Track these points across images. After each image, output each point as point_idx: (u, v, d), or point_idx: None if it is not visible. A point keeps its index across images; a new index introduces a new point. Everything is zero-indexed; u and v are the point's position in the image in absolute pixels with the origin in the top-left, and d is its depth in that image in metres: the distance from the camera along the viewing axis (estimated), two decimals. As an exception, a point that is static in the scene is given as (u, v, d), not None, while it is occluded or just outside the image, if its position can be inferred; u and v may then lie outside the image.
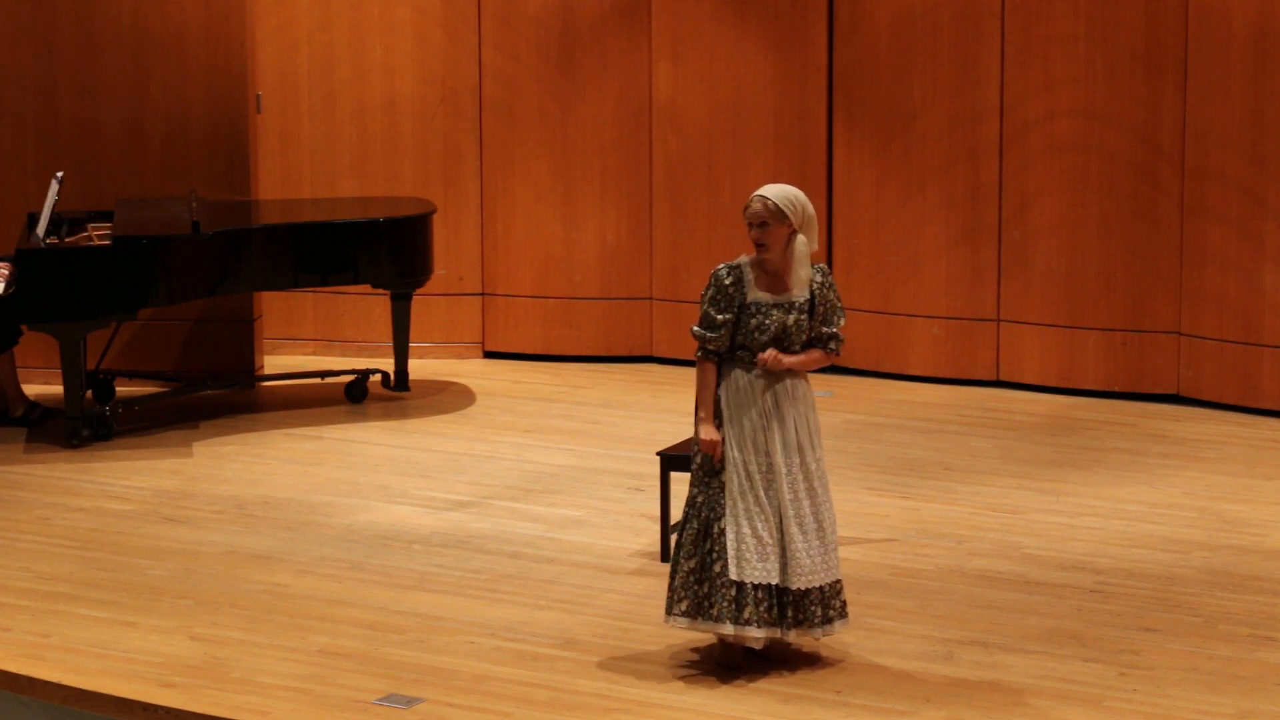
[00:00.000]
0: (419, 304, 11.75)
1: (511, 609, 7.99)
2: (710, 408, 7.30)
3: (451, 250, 12.37)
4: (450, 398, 11.53)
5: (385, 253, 11.09)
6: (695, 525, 7.29)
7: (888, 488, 9.72)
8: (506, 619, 7.87)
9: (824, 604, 7.29)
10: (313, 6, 12.34)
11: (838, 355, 7.41)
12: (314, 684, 7.18)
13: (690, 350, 11.37)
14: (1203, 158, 11.06)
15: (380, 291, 11.72)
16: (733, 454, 7.24)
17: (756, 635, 7.22)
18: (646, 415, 11.11)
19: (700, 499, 7.30)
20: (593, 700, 7.05)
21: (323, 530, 9.06)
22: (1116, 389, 11.43)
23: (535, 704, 7.01)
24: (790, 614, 7.25)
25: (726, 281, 7.27)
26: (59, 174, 10.90)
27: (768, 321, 7.25)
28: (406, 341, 11.39)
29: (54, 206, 10.75)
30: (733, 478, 7.22)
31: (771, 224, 7.25)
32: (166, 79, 11.68)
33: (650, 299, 12.36)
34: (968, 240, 11.70)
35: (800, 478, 7.26)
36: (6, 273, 10.47)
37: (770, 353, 7.26)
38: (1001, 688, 7.15)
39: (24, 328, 10.79)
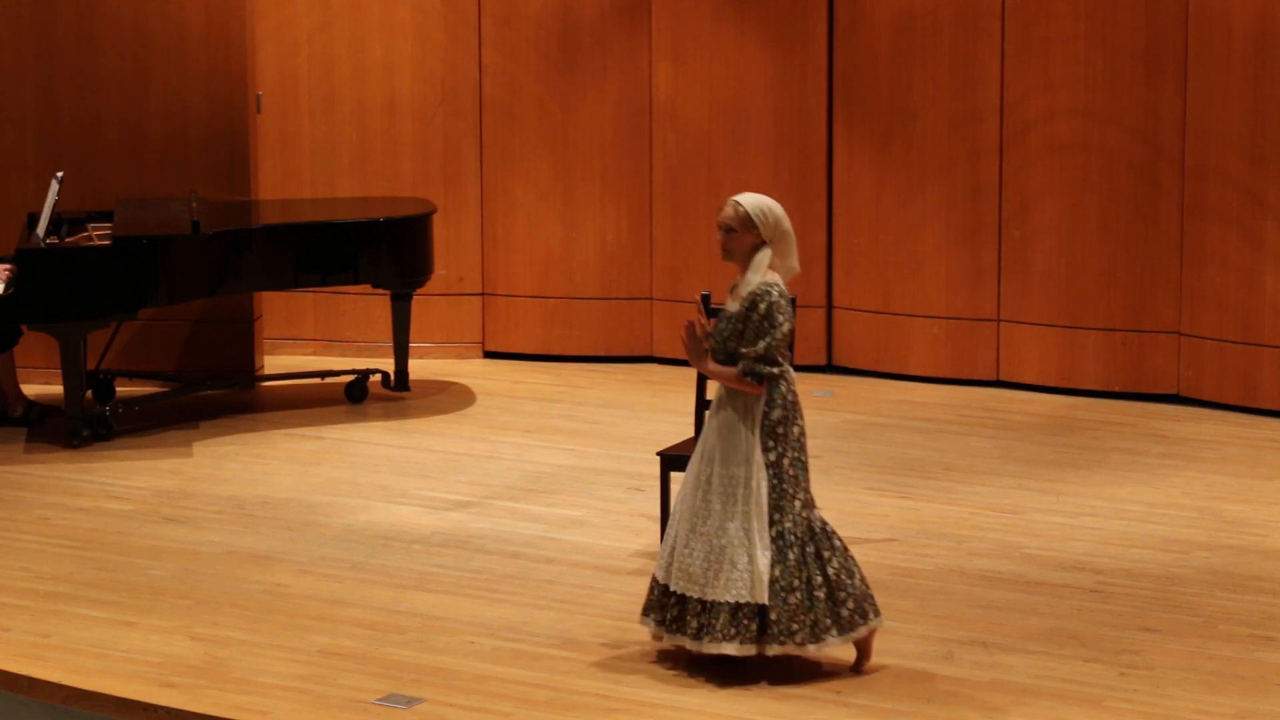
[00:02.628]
0: (419, 304, 11.75)
1: (511, 609, 7.99)
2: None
3: (451, 250, 12.37)
4: (450, 398, 11.53)
5: (385, 253, 11.09)
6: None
7: (888, 488, 9.72)
8: (506, 619, 7.87)
9: (698, 615, 7.17)
10: (313, 6, 12.34)
11: (751, 381, 7.12)
12: (314, 684, 7.18)
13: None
14: (1203, 158, 11.06)
15: (380, 291, 11.72)
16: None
17: (646, 626, 7.34)
18: (646, 415, 11.11)
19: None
20: (593, 700, 7.05)
21: (323, 530, 9.06)
22: (1116, 389, 11.43)
23: (535, 704, 7.01)
24: (670, 615, 7.24)
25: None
26: (59, 174, 10.90)
27: (716, 326, 7.28)
28: (406, 341, 11.39)
29: (54, 206, 10.75)
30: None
31: (737, 231, 7.20)
32: (166, 79, 11.68)
33: (650, 299, 12.36)
34: (968, 240, 11.70)
35: (704, 488, 7.19)
36: (7, 273, 10.47)
37: (694, 324, 7.28)
38: (1001, 688, 7.15)
39: (24, 328, 10.79)
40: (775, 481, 7.15)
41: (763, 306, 7.12)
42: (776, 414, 7.16)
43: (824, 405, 11.34)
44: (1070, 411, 11.20)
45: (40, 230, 10.57)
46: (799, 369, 11.36)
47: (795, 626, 7.13)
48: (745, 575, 7.10)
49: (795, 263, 7.25)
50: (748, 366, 7.13)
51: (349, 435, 10.71)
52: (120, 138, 11.71)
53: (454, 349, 12.56)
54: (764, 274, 7.18)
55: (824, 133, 11.98)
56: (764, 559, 7.09)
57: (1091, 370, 11.50)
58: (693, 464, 7.31)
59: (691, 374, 9.74)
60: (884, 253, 11.92)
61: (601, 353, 12.44)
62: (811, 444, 10.25)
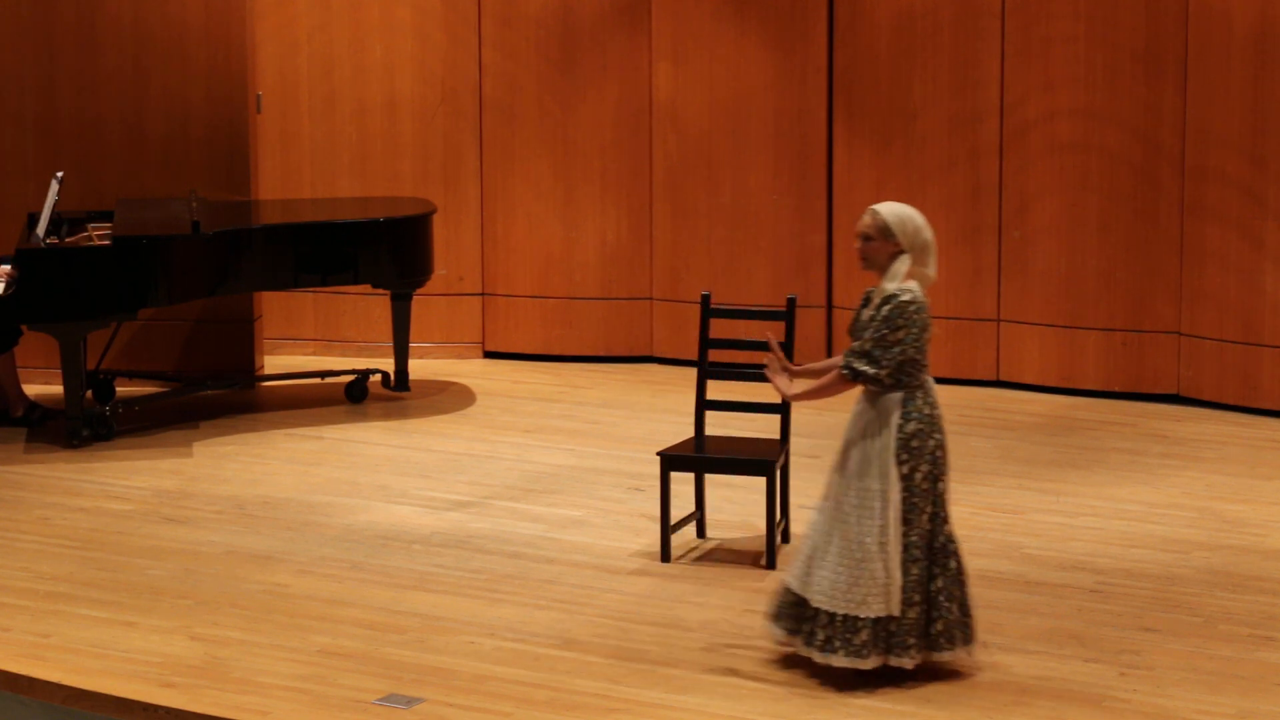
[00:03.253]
0: (419, 304, 11.75)
1: (511, 609, 7.99)
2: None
3: (451, 250, 12.37)
4: (450, 398, 11.53)
5: (385, 253, 11.09)
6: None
7: (888, 488, 9.71)
8: (506, 619, 7.86)
9: (826, 628, 7.11)
10: (313, 6, 12.35)
11: (849, 379, 7.10)
12: (314, 684, 7.18)
13: (686, 351, 11.43)
14: (1203, 158, 11.06)
15: (380, 291, 11.72)
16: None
17: (769, 628, 7.28)
18: (646, 415, 11.11)
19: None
20: (593, 700, 7.05)
21: (323, 530, 9.06)
22: (1116, 389, 11.43)
23: (535, 704, 7.00)
24: (800, 624, 7.19)
25: (863, 295, 7.27)
26: (59, 174, 10.90)
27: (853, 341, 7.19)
28: (406, 341, 11.39)
29: (54, 206, 10.75)
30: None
31: (875, 239, 7.10)
32: (166, 79, 11.68)
33: (650, 299, 12.36)
34: (968, 240, 11.70)
35: (836, 500, 7.12)
36: (7, 273, 10.47)
37: (772, 362, 7.28)
38: (1001, 688, 7.15)
39: (24, 328, 10.79)
40: (905, 494, 7.07)
41: (886, 309, 7.06)
42: (911, 427, 7.09)
43: (824, 405, 11.30)
44: (1070, 411, 11.20)
45: (40, 230, 10.57)
46: (799, 369, 11.42)
47: (911, 641, 7.11)
48: (882, 589, 7.05)
49: (933, 271, 7.15)
50: (846, 359, 7.09)
51: (349, 435, 10.71)
52: (120, 138, 11.71)
53: (454, 349, 12.56)
54: (899, 281, 7.09)
55: (824, 133, 11.98)
56: (899, 573, 7.05)
57: (1091, 370, 11.50)
58: (830, 476, 7.24)
59: (691, 374, 9.74)
60: (884, 253, 11.91)
61: (601, 353, 12.44)
62: (811, 444, 10.31)
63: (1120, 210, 11.35)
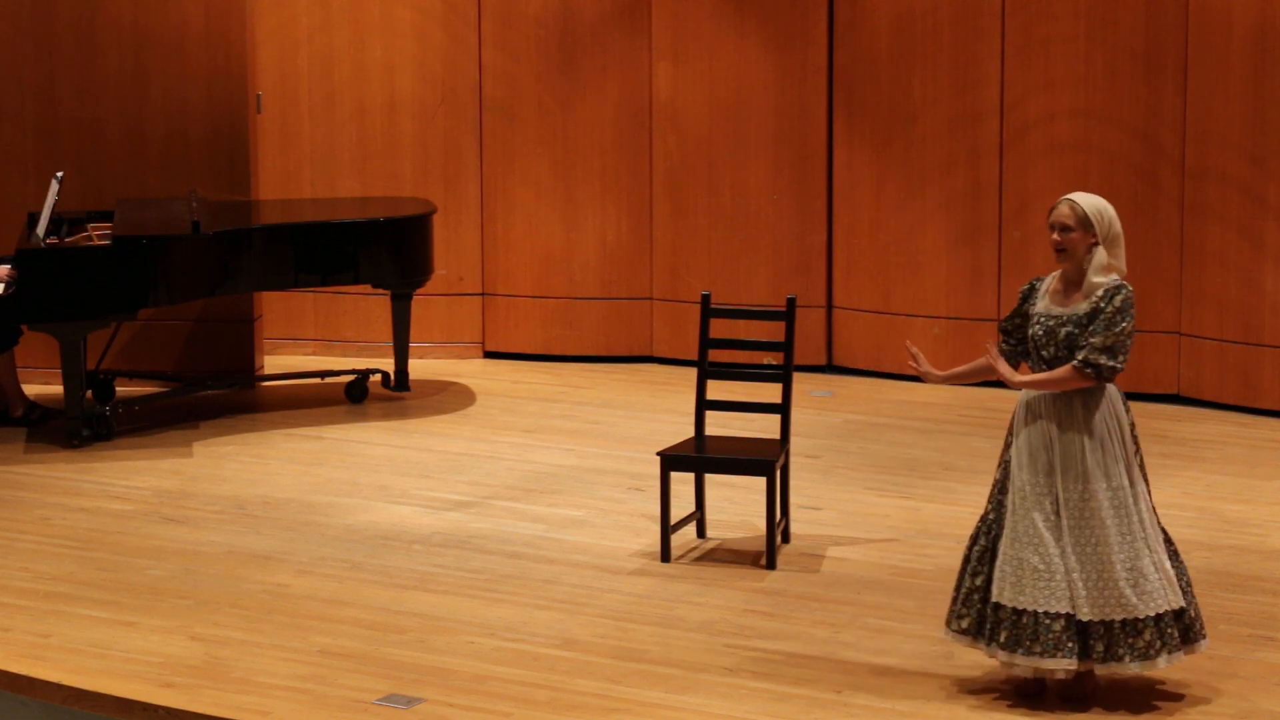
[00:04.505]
0: (419, 304, 11.75)
1: (511, 609, 7.99)
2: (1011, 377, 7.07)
3: (451, 250, 12.37)
4: (450, 398, 11.53)
5: (385, 253, 11.09)
6: (984, 542, 7.04)
7: (888, 488, 9.72)
8: (506, 619, 7.87)
9: (1119, 638, 6.88)
10: (313, 6, 12.35)
11: (1090, 376, 6.88)
12: (314, 684, 7.18)
13: (686, 351, 11.43)
14: (1203, 158, 11.06)
15: (380, 291, 11.72)
16: (1015, 472, 7.01)
17: (1048, 666, 6.92)
18: (646, 415, 11.11)
19: (992, 516, 7.04)
20: (593, 700, 7.05)
21: (323, 530, 9.06)
22: (1116, 389, 11.42)
23: (535, 704, 7.00)
24: (1091, 645, 6.91)
25: (1021, 290, 7.15)
26: (59, 174, 10.90)
27: (1043, 333, 6.99)
28: (406, 341, 11.39)
29: (54, 206, 10.75)
30: (1014, 497, 7.01)
31: (1074, 230, 6.99)
32: (166, 79, 11.68)
33: (650, 299, 12.36)
34: (968, 240, 11.70)
35: (1079, 507, 6.90)
36: (7, 273, 10.46)
37: (991, 352, 7.10)
38: (1001, 687, 7.15)
39: (24, 328, 10.79)
40: (1145, 485, 6.99)
41: (1117, 300, 6.91)
42: (1130, 416, 7.01)
43: (824, 405, 11.34)
44: (1070, 411, 11.19)
45: (40, 230, 10.57)
46: (798, 369, 11.43)
47: (1202, 618, 7.01)
48: (1159, 583, 6.91)
49: (1124, 265, 7.05)
50: (1089, 357, 6.89)
51: (349, 435, 10.71)
52: (120, 138, 11.71)
53: (454, 349, 12.56)
54: (1107, 275, 6.97)
55: (824, 133, 11.98)
56: (1168, 564, 6.94)
57: (1091, 370, 11.49)
58: (1035, 485, 6.97)
59: (691, 374, 9.73)
60: (884, 253, 11.92)
61: (601, 353, 12.44)
62: (811, 444, 10.31)
63: (1120, 210, 11.24)
